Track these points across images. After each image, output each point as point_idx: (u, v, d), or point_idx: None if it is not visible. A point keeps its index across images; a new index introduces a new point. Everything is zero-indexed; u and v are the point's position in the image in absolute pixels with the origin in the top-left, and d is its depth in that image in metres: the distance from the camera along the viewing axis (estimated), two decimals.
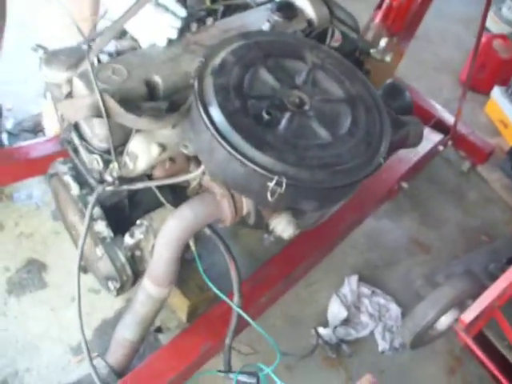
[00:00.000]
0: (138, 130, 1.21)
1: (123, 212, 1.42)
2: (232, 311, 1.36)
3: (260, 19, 1.46)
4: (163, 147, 1.23)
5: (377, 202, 2.13)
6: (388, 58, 1.59)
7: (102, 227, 1.33)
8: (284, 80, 1.23)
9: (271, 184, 1.05)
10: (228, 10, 1.55)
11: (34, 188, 2.10)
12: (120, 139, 1.22)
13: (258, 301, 1.68)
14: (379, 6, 2.27)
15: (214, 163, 1.16)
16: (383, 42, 1.56)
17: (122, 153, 1.24)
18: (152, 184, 1.32)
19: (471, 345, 1.66)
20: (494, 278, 1.75)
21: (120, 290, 1.41)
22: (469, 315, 1.58)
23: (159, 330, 1.79)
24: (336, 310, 1.97)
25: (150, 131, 1.22)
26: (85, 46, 1.22)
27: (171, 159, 1.31)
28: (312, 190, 1.13)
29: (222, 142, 1.07)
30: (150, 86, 1.24)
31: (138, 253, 1.36)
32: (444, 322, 1.79)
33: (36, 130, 2.28)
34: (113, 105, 1.13)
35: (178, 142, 1.26)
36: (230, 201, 1.26)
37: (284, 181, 1.05)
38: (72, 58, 1.28)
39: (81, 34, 1.26)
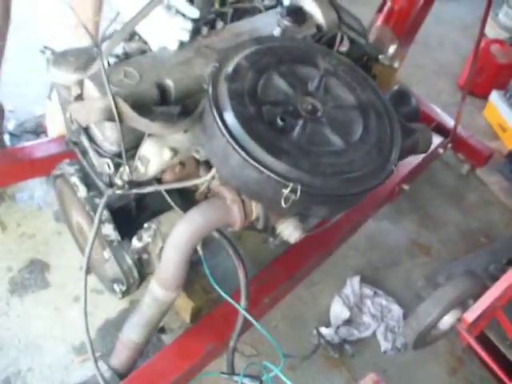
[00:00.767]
0: (149, 134, 1.20)
1: (129, 215, 1.42)
2: (237, 314, 1.36)
3: (270, 24, 1.46)
4: (175, 151, 1.23)
5: (378, 204, 2.14)
6: (396, 64, 1.59)
7: (109, 230, 1.33)
8: (297, 86, 1.22)
9: (286, 191, 1.05)
10: (236, 13, 1.54)
11: (36, 189, 2.10)
12: (131, 143, 1.22)
13: (262, 302, 1.68)
14: (380, 10, 2.28)
15: (228, 169, 1.14)
16: (392, 49, 1.56)
17: (132, 156, 1.24)
18: (162, 188, 1.31)
19: (473, 344, 1.68)
20: (494, 278, 1.77)
21: (125, 293, 1.40)
22: (471, 314, 1.60)
23: (162, 330, 1.79)
24: (338, 311, 1.98)
25: (161, 135, 1.21)
26: (96, 49, 1.21)
27: (181, 163, 1.31)
28: (325, 196, 1.12)
29: (238, 148, 1.05)
30: (162, 90, 1.24)
31: (145, 256, 1.36)
32: (446, 321, 1.80)
33: (38, 131, 2.27)
34: (126, 109, 1.12)
35: (189, 147, 1.26)
36: (241, 206, 1.26)
37: (299, 188, 1.04)
38: (81, 59, 1.26)
39: (90, 36, 1.25)
